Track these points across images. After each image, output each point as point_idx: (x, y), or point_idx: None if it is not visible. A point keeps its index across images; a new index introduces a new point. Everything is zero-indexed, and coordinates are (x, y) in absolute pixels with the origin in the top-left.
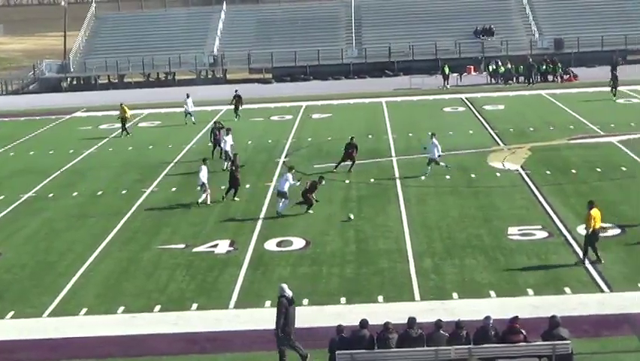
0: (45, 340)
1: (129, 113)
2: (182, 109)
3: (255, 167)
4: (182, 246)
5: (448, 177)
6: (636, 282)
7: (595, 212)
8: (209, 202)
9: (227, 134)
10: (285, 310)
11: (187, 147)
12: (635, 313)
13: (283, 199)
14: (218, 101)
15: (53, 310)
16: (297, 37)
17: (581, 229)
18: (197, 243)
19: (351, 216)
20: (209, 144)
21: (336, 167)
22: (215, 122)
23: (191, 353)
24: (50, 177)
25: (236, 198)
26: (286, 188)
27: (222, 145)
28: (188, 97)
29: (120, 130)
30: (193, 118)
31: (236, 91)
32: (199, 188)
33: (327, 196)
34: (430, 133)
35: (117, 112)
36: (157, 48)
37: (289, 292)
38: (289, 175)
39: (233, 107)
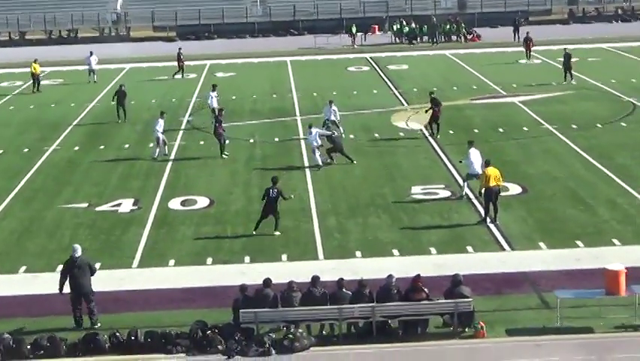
0: None
1: (39, 69)
2: (86, 67)
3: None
4: (84, 205)
5: (352, 136)
6: (536, 241)
7: (491, 170)
8: (166, 152)
9: (214, 90)
10: (69, 271)
11: (90, 105)
12: (535, 270)
13: (318, 153)
14: (121, 59)
15: None
16: None
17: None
18: (101, 202)
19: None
20: (112, 102)
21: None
22: (120, 85)
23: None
24: None
25: (224, 155)
26: (318, 141)
27: (209, 102)
28: (91, 54)
29: (33, 86)
30: (95, 77)
31: (179, 49)
32: (155, 143)
33: (231, 155)
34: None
35: (20, 69)
36: (59, 5)
37: (77, 254)
38: (314, 130)
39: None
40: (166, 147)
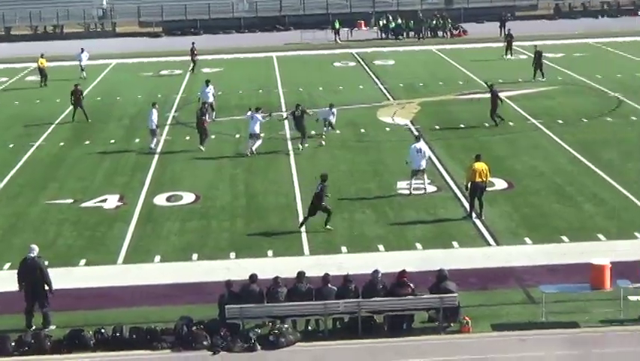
0: None
1: (46, 63)
2: (76, 62)
3: (145, 122)
4: (70, 201)
5: (338, 131)
6: (521, 236)
7: (478, 165)
8: (153, 146)
9: (207, 85)
10: (21, 270)
11: None
12: (520, 266)
13: (258, 140)
14: (107, 55)
15: None
16: None
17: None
18: (86, 198)
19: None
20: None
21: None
22: (75, 84)
23: (79, 309)
24: None
25: (201, 147)
26: (257, 129)
27: (205, 98)
28: (82, 51)
29: (40, 81)
30: (85, 73)
31: (193, 44)
32: (150, 135)
33: (217, 150)
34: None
35: (4, 65)
36: (45, 1)
37: (29, 254)
38: (257, 115)
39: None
40: (155, 140)
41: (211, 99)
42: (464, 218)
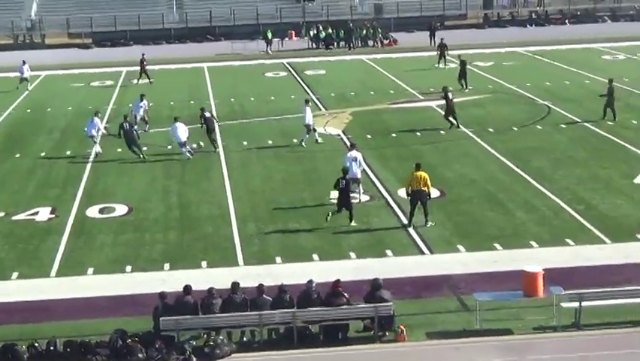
0: None
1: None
2: (17, 74)
3: (76, 134)
4: (1, 214)
5: (270, 141)
6: (455, 244)
7: (418, 174)
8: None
9: (142, 99)
10: None
11: (5, 113)
12: (454, 274)
13: (187, 147)
14: (36, 67)
15: None
16: (118, 2)
17: (402, 192)
18: (17, 211)
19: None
20: None
21: None
22: None
23: (12, 323)
24: None
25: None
26: (183, 137)
27: (136, 111)
28: (24, 63)
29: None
30: (29, 85)
31: (143, 54)
32: (182, 148)
33: (149, 162)
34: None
35: None
36: None
37: None
38: (177, 125)
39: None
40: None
41: (141, 113)
42: (398, 227)
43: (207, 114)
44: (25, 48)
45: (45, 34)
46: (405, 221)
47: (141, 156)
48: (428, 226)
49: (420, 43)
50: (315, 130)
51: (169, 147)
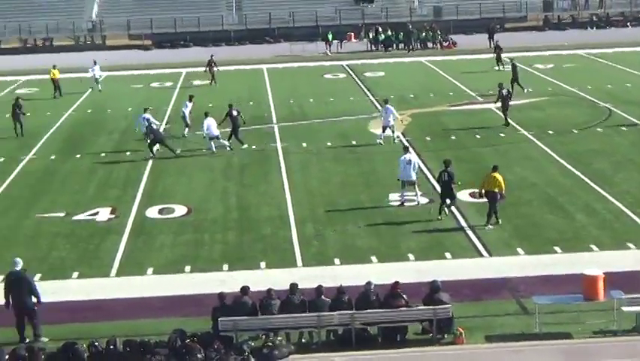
0: None
1: (58, 75)
2: (89, 74)
3: (136, 134)
4: (62, 214)
5: (329, 143)
6: (513, 247)
7: (492, 175)
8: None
9: (190, 100)
10: (6, 284)
11: (66, 113)
12: (513, 277)
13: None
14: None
15: None
16: (178, 3)
17: (461, 195)
18: (78, 211)
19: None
20: (7, 115)
21: None
22: (17, 97)
23: (73, 322)
24: None
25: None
26: (215, 132)
27: (184, 110)
28: (95, 63)
29: (54, 92)
30: (100, 86)
31: (211, 56)
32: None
33: (208, 163)
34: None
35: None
36: (34, 13)
37: (13, 268)
38: (209, 120)
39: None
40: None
41: (187, 115)
42: (457, 229)
43: (234, 112)
44: (86, 49)
45: (106, 36)
46: (464, 224)
47: (172, 150)
48: (487, 228)
49: (479, 46)
50: (393, 131)
51: (228, 147)
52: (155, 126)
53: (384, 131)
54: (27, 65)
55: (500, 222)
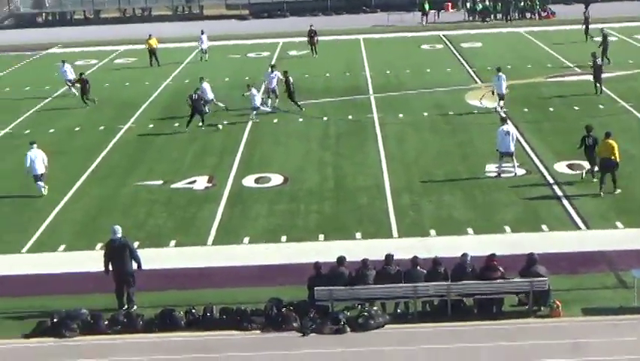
0: (23, 276)
1: (155, 44)
2: (198, 44)
3: (232, 104)
4: (159, 182)
5: (425, 113)
6: (612, 220)
7: (606, 142)
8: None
9: (272, 70)
10: (108, 252)
11: (164, 83)
12: (611, 250)
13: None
14: (194, 38)
15: (31, 247)
16: None
17: (558, 166)
18: (175, 179)
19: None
20: (76, 93)
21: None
22: (81, 73)
23: (169, 289)
24: (26, 114)
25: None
26: (257, 102)
27: (269, 84)
28: (202, 33)
29: (150, 61)
30: (207, 55)
31: (311, 26)
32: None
33: (305, 133)
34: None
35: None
36: None
37: (114, 236)
38: (253, 91)
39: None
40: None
41: (274, 85)
42: (555, 201)
43: (291, 79)
44: (184, 19)
45: (203, 6)
46: (560, 194)
47: (201, 124)
48: (616, 192)
49: (578, 16)
50: (502, 99)
51: (324, 118)
52: (208, 97)
53: (502, 99)
54: (126, 35)
55: (619, 191)
